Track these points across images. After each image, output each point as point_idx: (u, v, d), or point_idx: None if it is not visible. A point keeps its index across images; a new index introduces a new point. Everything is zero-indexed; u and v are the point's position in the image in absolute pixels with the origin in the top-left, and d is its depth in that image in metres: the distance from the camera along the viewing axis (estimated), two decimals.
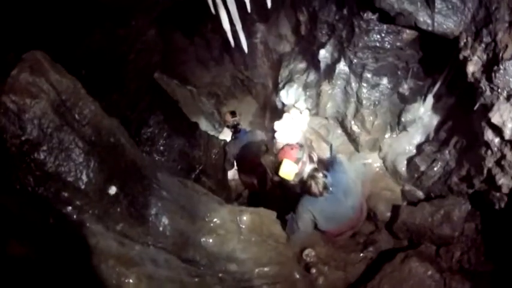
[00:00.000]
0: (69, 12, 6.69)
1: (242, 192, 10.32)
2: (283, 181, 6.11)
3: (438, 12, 6.45)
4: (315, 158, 6.11)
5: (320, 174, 5.71)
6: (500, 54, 5.55)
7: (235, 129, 9.73)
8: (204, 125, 13.53)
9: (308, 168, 5.78)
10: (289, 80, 10.51)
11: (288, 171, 5.72)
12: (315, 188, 5.63)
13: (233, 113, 9.75)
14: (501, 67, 5.52)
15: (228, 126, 9.94)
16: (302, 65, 10.62)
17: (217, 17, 7.56)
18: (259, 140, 9.64)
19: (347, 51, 8.23)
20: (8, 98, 3.89)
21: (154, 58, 8.52)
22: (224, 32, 7.78)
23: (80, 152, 4.22)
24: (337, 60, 8.63)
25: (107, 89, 7.47)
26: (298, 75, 10.42)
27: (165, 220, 4.83)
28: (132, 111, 8.18)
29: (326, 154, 8.50)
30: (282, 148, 6.17)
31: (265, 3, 7.35)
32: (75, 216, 4.09)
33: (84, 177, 4.21)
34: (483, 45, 5.95)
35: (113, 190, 4.43)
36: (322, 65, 9.19)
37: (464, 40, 6.29)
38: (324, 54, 9.03)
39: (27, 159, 3.94)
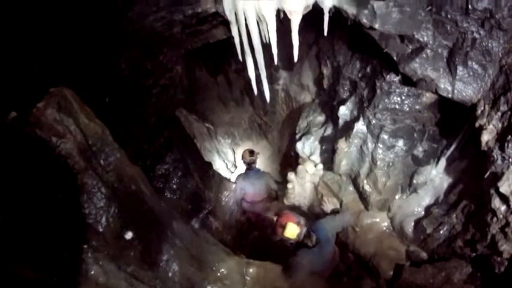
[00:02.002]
0: (99, 38, 6.87)
1: (246, 231, 10.38)
2: (283, 240, 6.91)
3: (459, 79, 6.61)
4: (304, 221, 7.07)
5: (313, 234, 6.93)
6: None
7: (249, 166, 10.19)
8: (217, 163, 13.62)
9: (304, 230, 6.85)
10: (307, 132, 10.57)
11: (292, 231, 6.76)
12: (309, 243, 6.83)
13: (251, 152, 10.17)
14: None
15: (244, 162, 10.32)
16: (321, 118, 10.68)
17: (242, 61, 7.78)
18: (266, 182, 10.17)
19: (366, 111, 8.32)
20: (32, 131, 3.97)
21: (178, 95, 8.64)
22: (247, 75, 7.98)
23: (102, 197, 4.29)
24: (356, 119, 8.71)
25: (127, 119, 7.58)
26: (316, 128, 10.48)
27: (175, 267, 4.90)
28: (150, 145, 8.27)
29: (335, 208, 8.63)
30: (284, 214, 7.17)
31: (292, 52, 7.51)
32: (89, 254, 4.14)
33: (103, 221, 4.28)
34: (499, 113, 6.10)
35: (129, 235, 4.50)
36: (341, 122, 9.27)
37: (482, 108, 6.44)
38: (343, 111, 9.14)
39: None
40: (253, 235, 10.04)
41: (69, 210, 4.22)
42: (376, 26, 6.59)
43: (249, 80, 8.14)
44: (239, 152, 12.80)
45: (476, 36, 6.32)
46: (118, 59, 7.35)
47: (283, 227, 6.81)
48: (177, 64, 8.20)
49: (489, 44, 6.27)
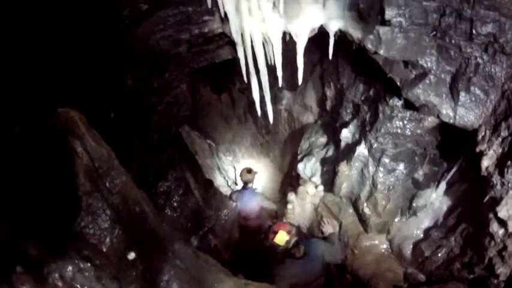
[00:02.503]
0: (106, 54, 6.93)
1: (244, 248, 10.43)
2: (273, 245, 7.24)
3: (461, 105, 6.63)
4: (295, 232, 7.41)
5: (301, 246, 7.26)
6: None
7: (245, 185, 10.29)
8: (218, 180, 13.64)
9: (293, 239, 7.19)
10: (309, 153, 10.61)
11: (282, 238, 7.16)
12: (297, 254, 7.16)
13: (249, 171, 10.24)
14: None
15: (241, 179, 10.45)
16: (323, 140, 10.72)
17: (247, 82, 7.85)
18: (258, 203, 10.17)
19: (368, 135, 8.38)
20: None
21: (182, 112, 8.70)
22: (251, 94, 8.05)
23: (107, 218, 4.33)
24: (358, 142, 8.79)
25: (132, 135, 7.63)
26: (318, 150, 10.53)
27: (175, 287, 4.93)
28: (153, 161, 8.32)
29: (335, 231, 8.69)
30: (279, 222, 7.82)
31: (296, 74, 7.59)
32: (92, 273, 4.18)
33: (107, 242, 4.31)
34: (500, 139, 6.15)
35: (131, 256, 4.53)
36: (343, 144, 9.33)
37: (483, 133, 6.49)
38: (345, 134, 9.20)
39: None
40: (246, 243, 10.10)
41: (72, 231, 4.26)
42: (381, 52, 6.65)
43: (253, 100, 8.22)
44: (240, 169, 12.86)
45: (480, 61, 6.38)
46: (124, 75, 7.41)
47: (275, 233, 7.22)
48: (182, 82, 8.28)
49: (492, 69, 6.32)
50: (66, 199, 4.24)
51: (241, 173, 10.26)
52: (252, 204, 10.11)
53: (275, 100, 10.93)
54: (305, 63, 7.68)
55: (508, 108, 6.17)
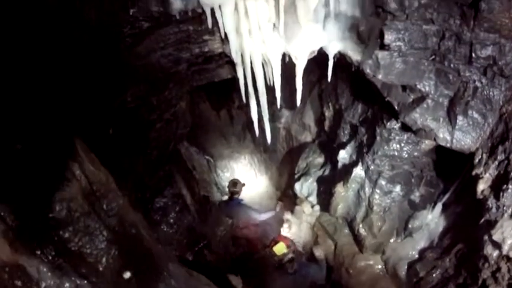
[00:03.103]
0: (107, 71, 6.97)
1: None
2: (269, 253, 7.75)
3: (459, 128, 6.67)
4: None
5: (295, 264, 7.64)
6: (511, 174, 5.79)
7: (231, 196, 10.23)
8: (215, 197, 13.64)
9: (290, 255, 7.60)
10: (306, 173, 10.66)
11: (280, 249, 7.62)
12: (289, 269, 7.55)
13: (235, 184, 10.22)
14: (510, 186, 5.77)
15: (228, 191, 10.42)
16: (320, 160, 10.76)
17: (246, 102, 7.90)
18: (243, 214, 10.06)
19: (365, 157, 8.42)
20: None
21: (181, 130, 8.75)
22: (249, 113, 8.07)
23: (104, 239, 4.41)
24: (355, 164, 8.82)
25: (129, 151, 7.66)
26: (315, 170, 10.57)
27: None
28: (150, 177, 8.35)
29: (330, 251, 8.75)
30: (283, 235, 8.41)
31: (295, 92, 7.64)
32: None
33: (103, 261, 4.38)
34: (496, 162, 6.16)
35: (127, 275, 4.59)
36: (340, 165, 9.37)
37: (479, 157, 6.52)
38: (343, 155, 9.25)
39: (52, 233, 4.11)
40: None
41: (70, 250, 4.32)
42: (380, 76, 6.71)
43: (252, 118, 8.26)
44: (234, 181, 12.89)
45: (478, 85, 6.44)
46: (124, 92, 7.45)
47: (276, 242, 7.76)
48: (181, 100, 8.32)
49: (490, 92, 6.38)
50: (63, 218, 4.30)
51: (228, 184, 10.33)
52: (238, 215, 10.14)
53: (274, 118, 10.99)
54: (304, 82, 7.75)
55: (505, 131, 6.21)
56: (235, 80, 7.92)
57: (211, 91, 12.61)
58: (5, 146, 4.72)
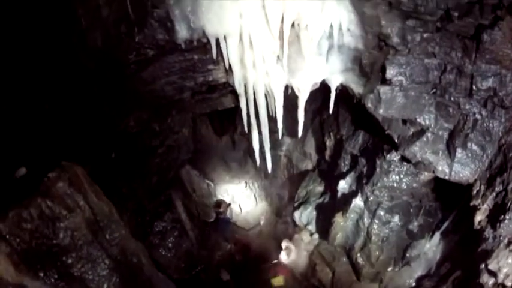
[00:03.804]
0: (110, 94, 7.06)
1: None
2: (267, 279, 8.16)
3: (457, 161, 6.72)
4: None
5: None
6: (508, 204, 5.84)
7: (217, 216, 10.51)
8: (210, 219, 13.66)
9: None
10: (305, 201, 10.70)
11: (278, 281, 8.07)
12: None
13: (219, 205, 10.51)
14: (507, 217, 5.81)
15: (213, 211, 10.71)
16: (320, 188, 10.79)
17: (248, 132, 7.95)
18: (228, 231, 10.43)
19: (365, 188, 8.46)
20: (44, 202, 4.24)
21: (183, 156, 8.83)
22: (251, 141, 8.13)
23: (105, 267, 4.54)
24: (354, 194, 8.85)
25: (130, 175, 7.73)
26: (315, 198, 10.60)
27: None
28: (150, 201, 8.40)
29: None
30: (286, 267, 8.50)
31: (296, 121, 7.69)
32: None
33: (104, 287, 4.47)
34: (494, 193, 6.20)
35: None
36: (339, 195, 9.40)
37: (478, 188, 6.56)
38: (342, 185, 9.29)
39: (55, 258, 4.20)
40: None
41: (73, 275, 4.42)
42: (381, 111, 6.79)
43: (252, 142, 8.31)
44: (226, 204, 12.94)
45: (478, 117, 6.50)
46: (127, 116, 7.53)
47: (276, 274, 8.15)
48: (184, 127, 8.40)
49: (490, 124, 6.44)
50: (67, 245, 4.40)
51: (213, 205, 10.61)
52: (227, 233, 10.33)
53: (275, 146, 11.02)
54: (306, 110, 7.80)
55: (503, 162, 6.26)
56: (238, 107, 7.99)
57: (214, 116, 12.67)
58: (7, 169, 4.85)
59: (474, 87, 6.37)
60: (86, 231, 4.47)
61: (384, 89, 6.67)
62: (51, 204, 4.32)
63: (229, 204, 10.72)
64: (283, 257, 10.10)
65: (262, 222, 10.59)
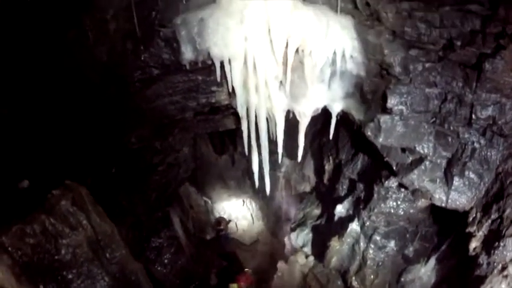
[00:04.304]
0: (113, 110, 7.13)
1: None
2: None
3: (455, 189, 6.79)
4: None
5: None
6: (503, 231, 5.91)
7: (217, 234, 10.91)
8: (209, 237, 13.67)
9: None
10: (302, 224, 10.74)
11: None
12: None
13: (219, 223, 11.00)
14: (501, 244, 5.88)
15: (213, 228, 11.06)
16: (317, 211, 10.82)
17: (248, 154, 8.01)
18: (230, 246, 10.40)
19: (362, 213, 8.49)
20: (47, 219, 4.35)
21: (182, 174, 8.88)
22: (251, 163, 8.19)
23: (105, 284, 4.68)
24: (351, 219, 8.88)
25: (130, 190, 7.78)
26: (312, 221, 10.64)
27: None
28: (148, 217, 8.45)
29: None
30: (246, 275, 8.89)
31: (296, 144, 7.75)
32: None
33: None
34: (490, 221, 6.27)
35: None
36: (336, 218, 9.43)
37: (473, 215, 6.64)
38: (340, 209, 9.32)
39: (56, 273, 4.29)
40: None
41: None
42: (380, 140, 6.87)
43: (252, 164, 8.38)
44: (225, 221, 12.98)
45: (477, 146, 6.59)
46: (129, 133, 7.59)
47: (234, 280, 8.60)
48: (185, 145, 8.47)
49: (488, 153, 6.53)
50: (68, 261, 4.50)
51: (214, 223, 10.80)
52: (229, 248, 10.44)
53: (274, 166, 11.08)
54: (305, 134, 7.89)
55: (500, 190, 6.33)
56: (239, 128, 8.06)
57: (214, 135, 12.74)
58: (10, 185, 4.93)
59: (474, 116, 6.49)
60: (87, 249, 4.60)
61: (384, 118, 6.76)
62: (55, 221, 4.45)
63: (229, 221, 10.82)
64: (277, 278, 10.14)
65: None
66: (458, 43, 6.54)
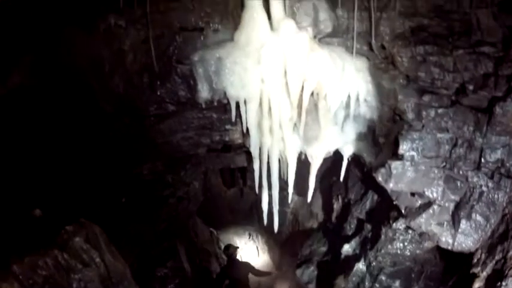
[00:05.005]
0: (127, 141, 7.22)
1: None
2: None
3: (461, 232, 6.79)
4: None
5: None
6: (506, 271, 5.90)
7: (228, 260, 10.39)
8: (213, 267, 13.63)
9: None
10: (308, 260, 10.75)
11: None
12: None
13: (227, 248, 10.45)
14: (503, 284, 5.85)
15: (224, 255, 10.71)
16: (324, 248, 10.83)
17: (258, 193, 8.07)
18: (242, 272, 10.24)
19: (369, 253, 8.50)
20: (60, 254, 4.42)
21: (191, 208, 8.97)
22: (260, 198, 8.25)
23: None
24: (358, 258, 8.87)
25: (138, 220, 7.84)
26: (318, 258, 10.65)
27: None
28: (155, 247, 8.49)
29: None
30: None
31: (306, 181, 7.79)
32: None
33: None
34: (494, 261, 6.26)
35: None
36: (342, 257, 9.42)
37: (478, 257, 6.63)
38: (347, 248, 9.32)
39: None
40: None
41: None
42: (390, 185, 6.92)
43: (261, 198, 8.47)
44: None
45: (484, 189, 6.61)
46: (141, 165, 7.68)
47: None
48: (195, 180, 8.54)
49: (495, 195, 6.55)
50: None
51: (223, 250, 10.68)
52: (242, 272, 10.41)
53: (283, 202, 11.11)
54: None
55: (506, 231, 6.36)
56: (250, 159, 8.13)
57: (225, 168, 12.78)
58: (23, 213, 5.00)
59: (483, 160, 6.55)
60: (98, 285, 4.66)
61: (395, 164, 6.80)
62: (67, 257, 4.50)
63: (237, 247, 10.84)
64: None
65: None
66: (471, 87, 6.64)
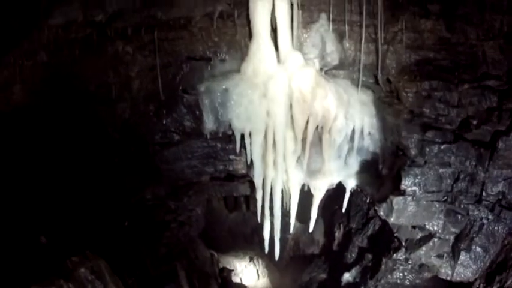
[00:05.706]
0: (131, 166, 7.27)
1: None
2: None
3: (461, 263, 6.86)
4: None
5: None
6: None
7: (224, 280, 10.94)
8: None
9: None
10: (308, 287, 10.76)
11: None
12: None
13: (222, 271, 11.12)
14: None
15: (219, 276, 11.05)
16: (324, 276, 10.79)
17: (260, 222, 8.11)
18: None
19: (369, 282, 8.48)
20: (65, 284, 4.43)
21: (193, 233, 8.98)
22: (262, 227, 8.29)
23: None
24: (357, 287, 8.88)
25: (140, 243, 7.87)
26: (317, 285, 10.63)
27: None
28: (155, 270, 8.50)
29: None
30: None
31: (308, 209, 7.84)
32: None
33: None
34: None
35: None
36: (342, 285, 9.38)
37: (477, 286, 6.70)
38: (347, 277, 9.30)
39: None
40: None
41: None
42: (392, 219, 6.98)
43: (264, 231, 8.49)
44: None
45: (485, 221, 6.69)
46: (144, 189, 7.71)
47: None
48: (198, 206, 8.57)
49: (495, 227, 6.63)
50: None
51: (218, 273, 10.84)
52: None
53: (284, 229, 11.15)
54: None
55: (504, 261, 6.43)
56: (252, 184, 8.16)
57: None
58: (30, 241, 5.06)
59: (484, 193, 6.64)
60: None
61: (396, 200, 6.85)
62: (73, 286, 4.51)
63: (232, 270, 10.93)
64: None
65: None
66: (475, 122, 6.74)
